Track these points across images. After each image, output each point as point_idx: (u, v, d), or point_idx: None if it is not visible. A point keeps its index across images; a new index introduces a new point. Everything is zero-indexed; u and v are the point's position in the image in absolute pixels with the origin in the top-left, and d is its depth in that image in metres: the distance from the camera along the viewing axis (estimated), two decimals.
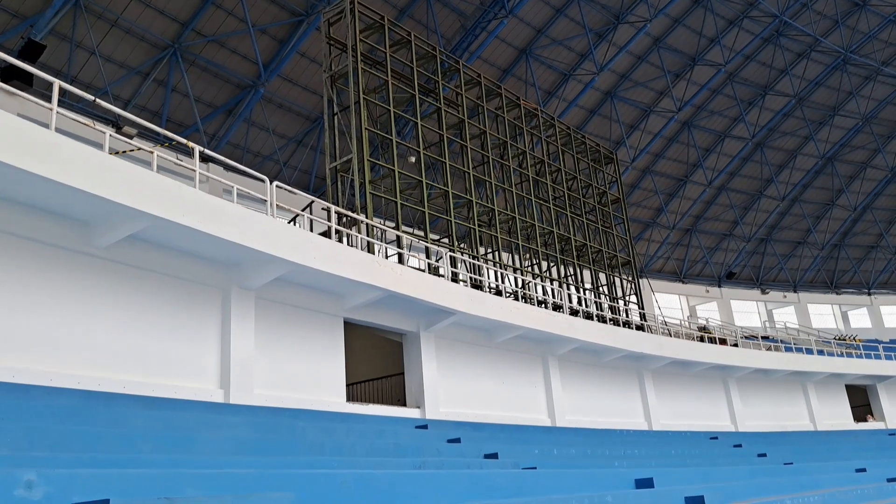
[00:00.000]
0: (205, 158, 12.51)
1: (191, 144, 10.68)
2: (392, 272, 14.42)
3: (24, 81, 17.88)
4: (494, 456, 12.21)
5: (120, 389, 10.23)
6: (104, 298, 10.46)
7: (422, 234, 19.16)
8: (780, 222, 47.54)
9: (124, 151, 10.58)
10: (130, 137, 16.91)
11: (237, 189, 11.84)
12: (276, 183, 12.50)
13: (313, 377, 13.93)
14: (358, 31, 18.64)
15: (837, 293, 50.47)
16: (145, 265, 11.02)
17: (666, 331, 28.05)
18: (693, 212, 43.70)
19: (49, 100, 9.08)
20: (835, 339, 35.53)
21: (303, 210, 17.15)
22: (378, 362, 18.28)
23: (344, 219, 18.12)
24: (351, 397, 17.40)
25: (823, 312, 50.12)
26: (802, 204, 47.12)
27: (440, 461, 11.06)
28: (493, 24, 26.81)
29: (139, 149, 10.66)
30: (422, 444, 12.34)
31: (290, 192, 13.32)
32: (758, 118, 40.31)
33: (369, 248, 17.07)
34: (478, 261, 19.99)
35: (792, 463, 16.42)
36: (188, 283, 11.74)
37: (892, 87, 42.37)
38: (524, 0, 26.62)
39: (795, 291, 49.02)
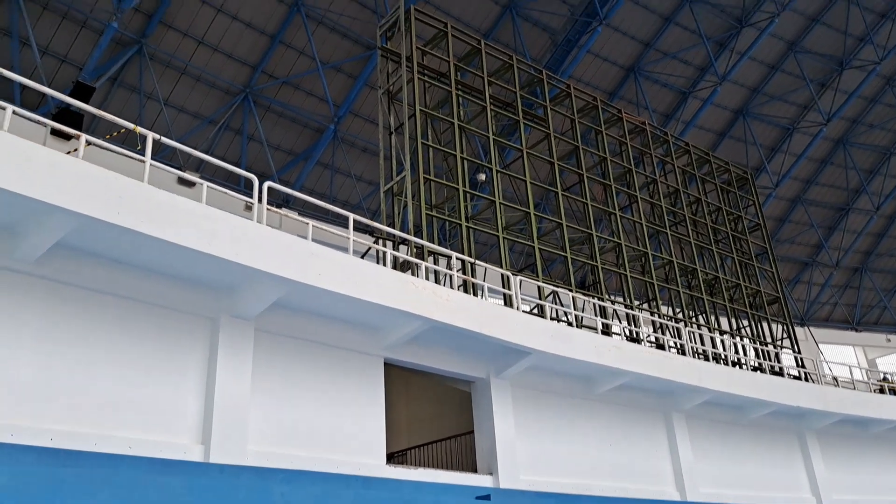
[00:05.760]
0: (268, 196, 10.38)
1: (139, 129, 8.50)
2: (434, 296, 11.44)
3: (74, 126, 17.25)
4: None
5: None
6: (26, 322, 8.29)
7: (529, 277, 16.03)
8: None
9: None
10: (191, 185, 15.47)
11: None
12: (268, 183, 10.11)
13: (339, 432, 11.02)
14: (414, 39, 16.53)
15: None
16: (79, 282, 8.76)
17: (833, 383, 22.60)
18: (860, 247, 37.02)
19: None
20: None
21: (375, 242, 14.67)
22: (450, 419, 15.07)
23: (405, 247, 15.53)
24: (407, 461, 14.27)
25: None
26: None
27: None
28: (584, 39, 23.74)
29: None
30: None
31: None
32: None
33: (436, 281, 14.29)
34: (572, 293, 16.45)
35: None
36: (157, 308, 9.42)
37: None
38: (619, 4, 23.32)
39: None
